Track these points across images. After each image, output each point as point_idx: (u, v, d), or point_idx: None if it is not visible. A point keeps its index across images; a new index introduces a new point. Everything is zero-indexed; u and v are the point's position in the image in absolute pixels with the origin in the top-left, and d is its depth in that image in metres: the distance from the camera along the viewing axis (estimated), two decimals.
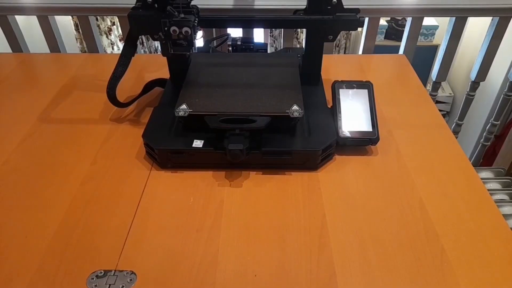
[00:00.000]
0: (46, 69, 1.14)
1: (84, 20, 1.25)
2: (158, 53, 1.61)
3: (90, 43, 1.30)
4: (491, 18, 1.22)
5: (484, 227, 0.64)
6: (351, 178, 0.74)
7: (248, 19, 0.86)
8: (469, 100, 1.45)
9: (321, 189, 0.72)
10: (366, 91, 0.83)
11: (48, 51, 1.32)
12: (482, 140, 1.57)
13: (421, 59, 2.42)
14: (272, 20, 0.86)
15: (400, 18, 2.43)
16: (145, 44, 2.85)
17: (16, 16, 1.27)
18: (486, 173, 1.39)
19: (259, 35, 2.43)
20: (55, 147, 0.82)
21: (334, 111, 0.80)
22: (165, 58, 0.86)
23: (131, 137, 0.84)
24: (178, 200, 0.69)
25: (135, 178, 0.74)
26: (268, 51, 1.03)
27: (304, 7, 0.83)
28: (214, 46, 1.06)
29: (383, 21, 2.54)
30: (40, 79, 1.07)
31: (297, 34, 2.70)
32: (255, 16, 0.85)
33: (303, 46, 0.91)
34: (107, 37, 2.82)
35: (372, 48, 1.27)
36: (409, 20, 1.24)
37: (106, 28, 2.80)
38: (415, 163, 0.77)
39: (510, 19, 1.20)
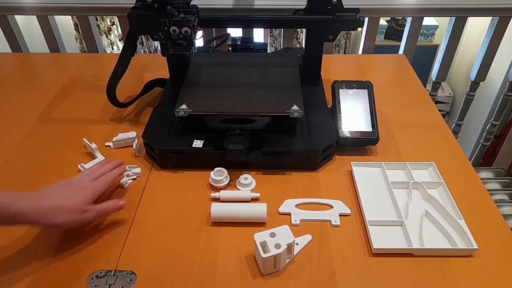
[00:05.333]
0: (46, 69, 1.14)
1: (84, 20, 1.25)
2: (158, 53, 1.61)
3: (90, 43, 1.30)
4: (491, 18, 1.22)
5: (484, 227, 0.64)
6: (350, 178, 0.74)
7: (248, 19, 0.86)
8: (469, 100, 1.45)
9: (321, 189, 0.72)
10: (366, 91, 0.83)
11: (48, 51, 1.31)
12: (482, 140, 1.57)
13: (421, 59, 2.41)
14: (272, 20, 0.86)
15: (400, 18, 2.42)
16: (145, 44, 2.84)
17: (16, 16, 1.27)
18: (486, 173, 1.39)
19: (259, 35, 2.43)
20: (55, 147, 0.82)
21: (334, 111, 0.80)
22: (165, 58, 0.86)
23: None
24: (178, 200, 0.69)
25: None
26: (268, 51, 1.03)
27: (304, 7, 0.83)
28: (214, 46, 1.07)
29: (383, 21, 2.53)
30: (40, 79, 1.07)
31: (297, 34, 2.70)
32: (255, 16, 0.85)
33: (303, 46, 0.91)
34: (107, 37, 2.82)
35: (372, 48, 1.27)
36: (409, 20, 1.24)
37: (106, 28, 2.80)
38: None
39: (510, 19, 1.20)
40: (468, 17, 1.23)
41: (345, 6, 0.79)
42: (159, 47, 1.50)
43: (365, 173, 0.74)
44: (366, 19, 1.22)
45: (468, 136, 2.00)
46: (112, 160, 0.70)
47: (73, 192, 0.59)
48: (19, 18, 1.29)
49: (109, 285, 0.56)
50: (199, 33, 1.10)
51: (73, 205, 0.57)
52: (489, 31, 1.24)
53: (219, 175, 0.71)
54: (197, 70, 0.87)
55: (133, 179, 0.74)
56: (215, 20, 0.85)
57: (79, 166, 0.75)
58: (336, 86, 0.84)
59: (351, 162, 0.75)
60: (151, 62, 1.14)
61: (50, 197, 0.57)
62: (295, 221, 0.65)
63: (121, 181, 0.72)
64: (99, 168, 0.66)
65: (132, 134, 0.82)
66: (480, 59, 1.30)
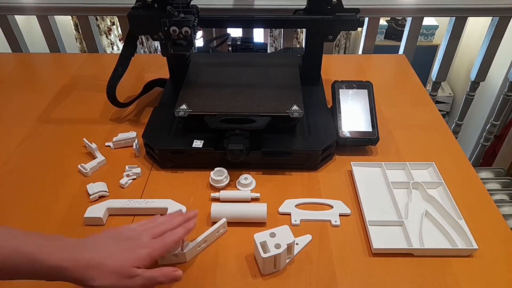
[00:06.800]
0: (46, 69, 1.14)
1: (84, 20, 1.25)
2: (158, 53, 1.61)
3: (90, 43, 1.30)
4: (491, 18, 1.22)
5: (484, 227, 0.64)
6: (350, 178, 0.74)
7: (248, 19, 0.86)
8: (469, 100, 1.45)
9: (321, 189, 0.72)
10: (366, 91, 0.83)
11: (48, 51, 1.31)
12: (482, 140, 1.57)
13: (421, 59, 2.41)
14: (272, 20, 0.86)
15: (400, 18, 2.42)
16: (145, 44, 2.84)
17: (16, 16, 1.27)
18: (486, 173, 1.39)
19: (259, 35, 2.43)
20: (55, 147, 0.82)
21: (334, 111, 0.80)
22: (165, 58, 0.86)
23: None
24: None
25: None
26: (268, 51, 1.03)
27: (304, 7, 0.83)
28: (214, 46, 1.06)
29: (383, 21, 2.53)
30: (40, 79, 1.07)
31: (297, 34, 2.70)
32: (255, 16, 0.85)
33: (303, 46, 0.91)
34: (107, 37, 2.82)
35: (372, 48, 1.27)
36: (409, 20, 1.24)
37: (106, 28, 2.80)
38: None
39: (510, 19, 1.20)
40: (468, 17, 1.23)
41: (345, 6, 0.79)
42: (159, 47, 1.50)
43: (365, 173, 0.74)
44: (366, 19, 1.22)
45: (468, 136, 2.00)
46: (185, 212, 0.56)
47: (124, 247, 0.47)
48: (19, 18, 1.29)
49: None
50: (199, 33, 1.10)
51: (118, 264, 0.45)
52: (489, 31, 1.24)
53: (219, 175, 0.71)
54: (197, 70, 0.87)
55: (133, 179, 0.74)
56: (215, 20, 0.85)
57: (79, 166, 0.75)
58: (336, 86, 0.84)
59: (351, 162, 0.75)
60: (151, 62, 1.14)
61: (95, 249, 0.46)
62: (295, 221, 0.65)
63: (121, 181, 0.72)
64: (164, 223, 0.53)
65: (132, 134, 0.82)
66: (480, 59, 1.30)
